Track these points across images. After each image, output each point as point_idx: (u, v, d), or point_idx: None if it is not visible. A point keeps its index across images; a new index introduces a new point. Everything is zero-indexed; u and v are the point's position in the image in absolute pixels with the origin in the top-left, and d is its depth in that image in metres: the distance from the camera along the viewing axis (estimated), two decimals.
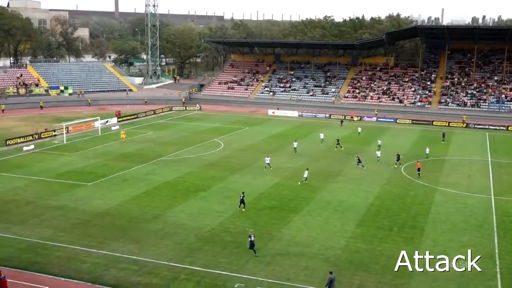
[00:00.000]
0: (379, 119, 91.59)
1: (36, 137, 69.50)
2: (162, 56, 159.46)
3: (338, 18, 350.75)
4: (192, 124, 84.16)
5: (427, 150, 60.40)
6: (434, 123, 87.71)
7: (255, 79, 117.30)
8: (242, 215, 39.77)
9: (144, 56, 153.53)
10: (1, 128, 77.25)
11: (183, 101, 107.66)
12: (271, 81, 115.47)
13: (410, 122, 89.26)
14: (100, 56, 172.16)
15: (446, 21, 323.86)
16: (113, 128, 79.19)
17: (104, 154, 61.56)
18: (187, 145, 66.33)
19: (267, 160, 54.73)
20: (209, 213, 40.50)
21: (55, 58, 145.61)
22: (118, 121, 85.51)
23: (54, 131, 72.87)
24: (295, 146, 62.67)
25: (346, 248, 34.15)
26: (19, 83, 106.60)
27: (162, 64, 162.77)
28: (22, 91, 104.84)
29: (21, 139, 67.60)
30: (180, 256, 32.61)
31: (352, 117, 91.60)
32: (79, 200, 43.60)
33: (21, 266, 30.94)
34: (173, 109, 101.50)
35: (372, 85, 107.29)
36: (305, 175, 49.13)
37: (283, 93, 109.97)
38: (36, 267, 30.86)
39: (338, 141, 66.13)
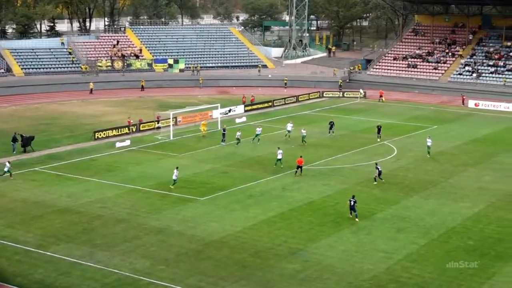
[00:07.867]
0: None
1: (134, 130, 73.89)
2: (312, 17, 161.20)
3: None
4: (351, 119, 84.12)
5: None
6: None
7: (449, 53, 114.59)
8: (421, 258, 38.85)
9: (286, 18, 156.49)
10: (89, 116, 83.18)
11: (340, 83, 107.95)
12: (474, 56, 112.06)
13: None
14: (225, 17, 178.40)
15: None
16: (237, 120, 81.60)
17: (225, 157, 63.65)
18: (343, 150, 66.35)
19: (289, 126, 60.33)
20: (371, 252, 40.20)
21: (163, 20, 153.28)
22: (246, 111, 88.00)
23: (158, 122, 76.88)
24: None
25: None
26: (115, 53, 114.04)
27: (312, 28, 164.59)
28: (118, 64, 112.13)
29: (114, 132, 72.27)
30: None
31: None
32: (187, 221, 45.50)
33: None
34: (324, 95, 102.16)
35: None
36: None
37: (493, 74, 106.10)
38: None
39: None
